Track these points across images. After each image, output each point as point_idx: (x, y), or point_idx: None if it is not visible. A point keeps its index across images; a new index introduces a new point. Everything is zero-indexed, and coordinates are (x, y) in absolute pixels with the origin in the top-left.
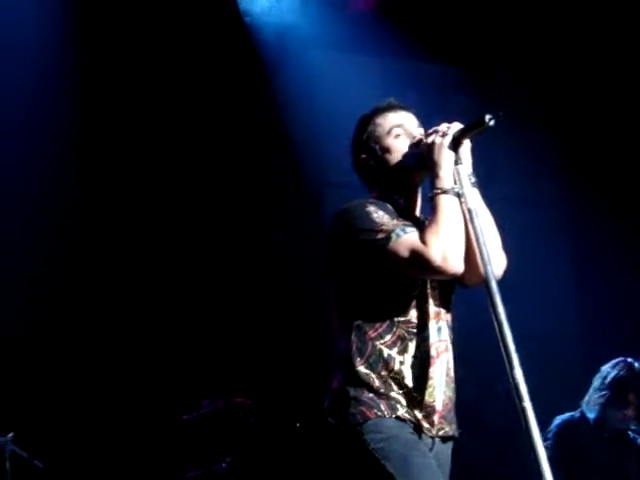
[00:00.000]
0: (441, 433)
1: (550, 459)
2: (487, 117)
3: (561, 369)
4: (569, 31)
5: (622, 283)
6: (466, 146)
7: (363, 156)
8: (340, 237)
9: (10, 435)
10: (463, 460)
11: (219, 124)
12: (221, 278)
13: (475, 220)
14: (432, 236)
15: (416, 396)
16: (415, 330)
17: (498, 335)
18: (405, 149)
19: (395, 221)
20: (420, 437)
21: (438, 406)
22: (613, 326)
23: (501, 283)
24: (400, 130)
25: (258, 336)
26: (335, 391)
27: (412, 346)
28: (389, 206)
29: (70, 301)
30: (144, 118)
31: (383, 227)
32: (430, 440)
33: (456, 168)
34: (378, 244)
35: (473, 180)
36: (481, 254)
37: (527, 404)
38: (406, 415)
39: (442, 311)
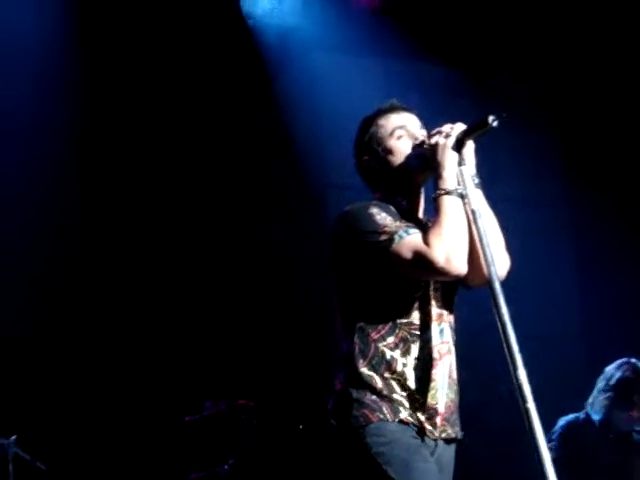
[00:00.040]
0: (444, 435)
1: (555, 460)
2: (490, 118)
3: (564, 369)
4: (570, 32)
5: (625, 283)
6: (469, 147)
7: (365, 158)
8: (343, 239)
9: (13, 437)
10: (466, 462)
11: (222, 126)
12: (223, 280)
13: (478, 221)
14: (435, 237)
15: (419, 398)
16: (418, 332)
17: (502, 336)
18: (407, 150)
19: (398, 223)
20: (423, 440)
21: (441, 408)
22: (616, 326)
23: (504, 284)
24: (402, 131)
25: (260, 338)
26: (338, 393)
27: (415, 348)
28: (392, 208)
29: (70, 301)
30: (145, 119)
31: (386, 229)
32: (433, 443)
33: (459, 169)
34: (381, 246)
35: (476, 181)
36: (485, 255)
37: (531, 405)
38: (409, 418)
39: (445, 313)
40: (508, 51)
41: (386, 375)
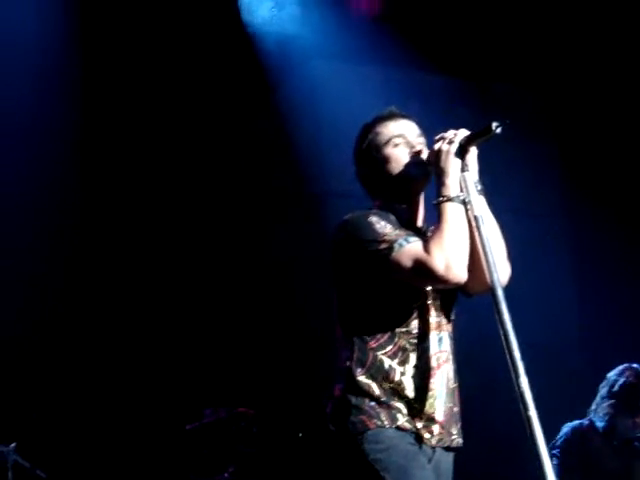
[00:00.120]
0: (441, 444)
1: (559, 466)
2: (494, 125)
3: (563, 377)
4: (570, 42)
5: (623, 292)
6: (473, 153)
7: (364, 165)
8: (343, 248)
9: (13, 445)
10: (466, 469)
11: (223, 132)
12: (224, 287)
13: (481, 227)
14: (435, 245)
15: (417, 406)
16: (416, 341)
17: (504, 343)
18: (405, 158)
19: (398, 231)
20: (420, 447)
21: (438, 417)
22: (615, 334)
23: (504, 292)
24: (399, 140)
25: (261, 346)
26: (337, 399)
27: (413, 357)
28: (392, 216)
29: (69, 305)
30: (146, 125)
31: (386, 237)
32: (431, 450)
33: (462, 175)
34: (381, 254)
35: (479, 187)
36: (487, 261)
37: (532, 413)
38: (406, 425)
39: (443, 322)
40: (508, 60)
41: (384, 383)
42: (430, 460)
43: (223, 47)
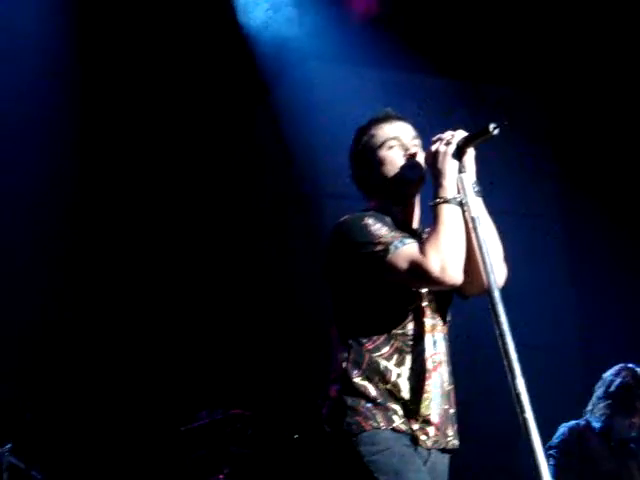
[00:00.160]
0: (437, 445)
1: (556, 466)
2: (492, 126)
3: (561, 379)
4: (568, 44)
5: (620, 291)
6: (470, 154)
7: (360, 167)
8: (338, 250)
9: (8, 446)
10: (462, 470)
11: (218, 135)
12: (220, 289)
13: (478, 228)
14: (431, 247)
15: (412, 408)
16: (412, 343)
17: (500, 344)
18: (399, 161)
19: (393, 233)
20: (416, 449)
21: (434, 419)
22: (613, 334)
23: (501, 293)
24: (394, 142)
25: (256, 347)
26: (333, 400)
27: (409, 359)
28: (387, 218)
29: (65, 306)
30: (143, 127)
31: (381, 239)
32: (426, 451)
33: (460, 176)
34: (377, 256)
35: (477, 189)
36: (484, 262)
37: (529, 415)
38: (402, 426)
39: (439, 324)
40: (505, 62)
41: (380, 385)
42: (426, 462)
43: (219, 49)
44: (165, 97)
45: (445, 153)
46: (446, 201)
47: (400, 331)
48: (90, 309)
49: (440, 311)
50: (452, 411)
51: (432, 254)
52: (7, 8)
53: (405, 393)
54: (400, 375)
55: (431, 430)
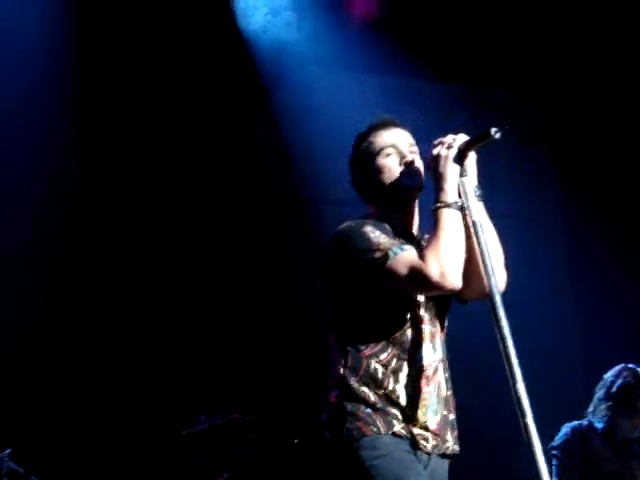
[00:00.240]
0: (436, 451)
1: (559, 466)
2: (493, 130)
3: (561, 383)
4: (568, 49)
5: (621, 295)
6: (472, 158)
7: (359, 174)
8: (338, 258)
9: (7, 451)
10: (462, 474)
11: (217, 140)
12: (219, 294)
13: (479, 233)
14: (430, 251)
15: (410, 414)
16: (410, 350)
17: (501, 349)
18: (396, 168)
19: (392, 240)
20: (416, 454)
21: (432, 425)
22: (614, 339)
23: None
24: (391, 150)
25: (255, 352)
26: (332, 406)
27: (407, 366)
28: (386, 226)
29: (63, 309)
30: (143, 131)
31: (380, 246)
32: (426, 456)
33: (461, 180)
34: (376, 263)
35: (478, 193)
36: (485, 267)
37: (529, 419)
38: (402, 431)
39: (436, 331)
40: (506, 67)
41: (378, 390)
42: (426, 467)
43: (218, 53)
44: (165, 101)
45: (446, 157)
46: (447, 205)
47: (398, 338)
48: (90, 314)
49: (438, 317)
50: (452, 417)
51: (431, 259)
52: (7, 8)
53: (402, 399)
54: (397, 381)
55: (430, 436)
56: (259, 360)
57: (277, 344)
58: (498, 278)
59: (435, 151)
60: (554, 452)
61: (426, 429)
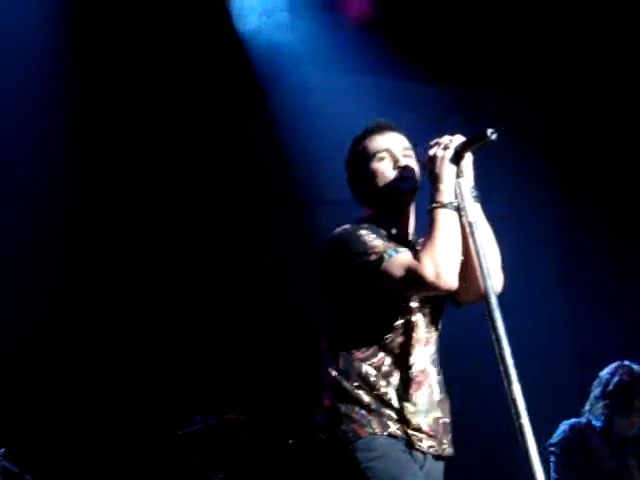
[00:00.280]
0: (432, 451)
1: (558, 463)
2: (489, 131)
3: (556, 385)
4: (562, 51)
5: (616, 297)
6: (468, 159)
7: (354, 177)
8: (333, 262)
9: (2, 450)
10: (458, 476)
11: (213, 140)
12: (214, 294)
13: (475, 234)
14: (426, 252)
15: (403, 417)
16: (401, 354)
17: (497, 350)
18: (390, 172)
19: (387, 243)
20: (412, 453)
21: (424, 428)
22: (608, 340)
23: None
24: (384, 154)
25: (250, 352)
26: (327, 408)
27: (398, 370)
28: (381, 230)
29: (60, 310)
30: (142, 131)
31: (375, 249)
32: (422, 456)
33: (457, 181)
34: (371, 265)
35: (474, 194)
36: (481, 268)
37: (524, 420)
38: (397, 432)
39: (429, 335)
40: (500, 69)
41: (371, 392)
42: (422, 467)
43: (214, 54)
44: (162, 101)
45: (443, 158)
46: (442, 205)
47: (390, 342)
48: (87, 314)
49: (431, 322)
50: (446, 420)
51: (426, 259)
52: (4, 9)
53: (395, 402)
54: (389, 385)
55: (424, 437)
56: (254, 360)
57: (272, 344)
58: (494, 279)
59: (431, 152)
60: (552, 449)
61: (420, 431)
